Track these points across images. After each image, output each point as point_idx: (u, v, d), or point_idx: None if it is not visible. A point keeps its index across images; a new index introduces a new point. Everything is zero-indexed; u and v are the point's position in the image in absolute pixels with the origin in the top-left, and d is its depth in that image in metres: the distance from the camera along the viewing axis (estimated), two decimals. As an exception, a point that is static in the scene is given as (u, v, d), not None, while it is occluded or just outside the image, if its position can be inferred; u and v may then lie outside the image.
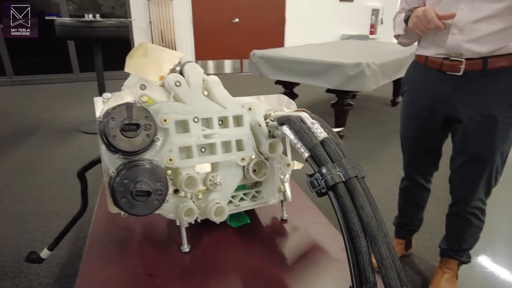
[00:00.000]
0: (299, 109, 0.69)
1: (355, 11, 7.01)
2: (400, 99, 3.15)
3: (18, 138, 3.31)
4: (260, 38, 6.57)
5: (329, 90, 3.12)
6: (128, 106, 0.54)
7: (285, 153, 0.77)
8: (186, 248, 0.69)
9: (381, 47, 4.05)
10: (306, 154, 0.57)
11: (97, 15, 3.36)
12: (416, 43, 1.30)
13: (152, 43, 5.78)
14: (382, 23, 7.22)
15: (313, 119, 0.62)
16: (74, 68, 5.88)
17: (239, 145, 0.69)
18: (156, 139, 0.59)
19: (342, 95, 3.10)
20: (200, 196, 0.68)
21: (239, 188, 0.72)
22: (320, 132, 0.58)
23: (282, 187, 0.76)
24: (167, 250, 0.71)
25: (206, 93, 0.67)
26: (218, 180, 0.66)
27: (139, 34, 5.78)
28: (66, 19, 3.08)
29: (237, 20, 6.28)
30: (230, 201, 0.71)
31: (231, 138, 0.67)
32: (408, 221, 1.61)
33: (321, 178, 0.53)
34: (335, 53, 3.51)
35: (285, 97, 0.78)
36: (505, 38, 1.03)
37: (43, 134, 3.41)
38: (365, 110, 4.31)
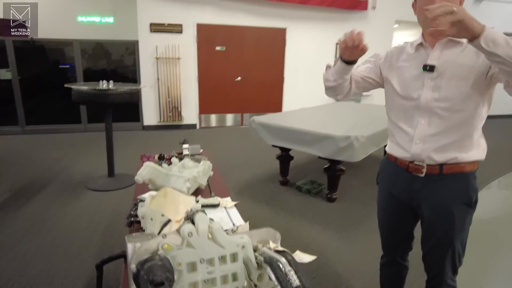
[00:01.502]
0: (281, 249, 0.90)
1: (350, 69, 7.46)
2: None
3: (29, 192, 3.50)
4: (260, 94, 7.00)
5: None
6: (156, 267, 0.75)
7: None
8: None
9: (374, 113, 4.32)
10: (284, 297, 0.78)
11: (111, 81, 3.67)
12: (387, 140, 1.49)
13: (159, 98, 6.09)
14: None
15: (290, 264, 0.83)
16: (82, 119, 6.20)
17: (234, 277, 0.89)
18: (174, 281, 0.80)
19: (334, 161, 3.33)
20: (203, 320, 0.87)
21: (233, 308, 0.92)
22: (294, 280, 0.79)
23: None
24: None
25: (210, 235, 0.89)
26: (216, 309, 0.86)
27: (147, 90, 6.15)
28: (83, 87, 3.35)
29: (239, 78, 6.73)
30: (226, 321, 0.90)
31: (228, 272, 0.88)
32: None
33: (290, 322, 0.74)
34: (327, 122, 3.76)
35: (272, 230, 1.00)
36: (454, 150, 1.27)
37: (53, 189, 3.60)
38: (360, 170, 4.28)
